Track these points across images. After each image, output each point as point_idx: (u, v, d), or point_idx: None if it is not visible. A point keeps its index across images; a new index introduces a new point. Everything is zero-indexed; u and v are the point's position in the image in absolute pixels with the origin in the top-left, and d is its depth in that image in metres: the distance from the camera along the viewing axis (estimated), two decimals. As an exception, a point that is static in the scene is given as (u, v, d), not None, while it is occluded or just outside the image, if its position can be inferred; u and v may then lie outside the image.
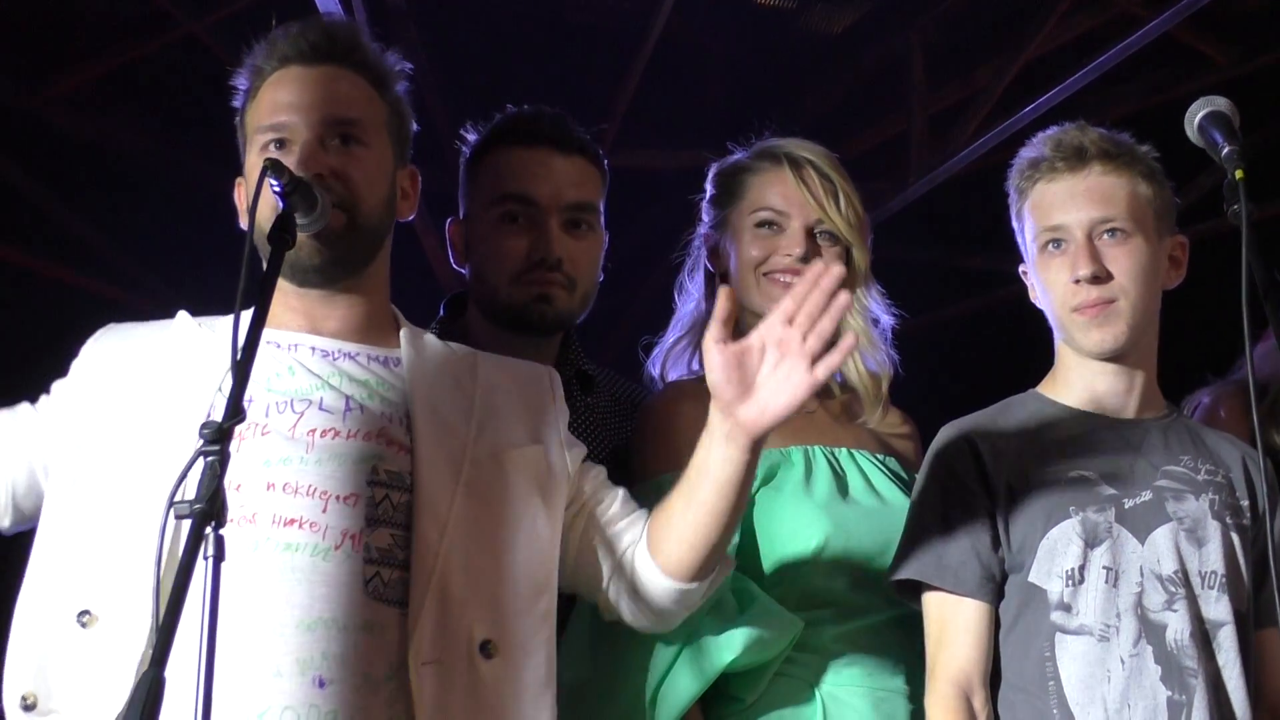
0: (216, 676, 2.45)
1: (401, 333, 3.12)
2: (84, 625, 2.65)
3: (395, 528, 2.88)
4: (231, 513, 2.57)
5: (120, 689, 2.38)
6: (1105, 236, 3.34)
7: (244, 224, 3.04)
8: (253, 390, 2.83)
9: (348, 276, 3.04)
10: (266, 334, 2.86)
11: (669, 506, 3.08)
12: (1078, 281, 3.33)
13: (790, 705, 3.36)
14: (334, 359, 3.02)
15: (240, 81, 3.11)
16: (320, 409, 2.93)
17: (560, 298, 3.67)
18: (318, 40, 3.06)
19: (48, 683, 2.68)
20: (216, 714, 2.49)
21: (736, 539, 3.33)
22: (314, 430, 2.90)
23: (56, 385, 3.05)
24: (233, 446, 2.53)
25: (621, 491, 3.25)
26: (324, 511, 2.83)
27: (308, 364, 2.99)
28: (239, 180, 3.11)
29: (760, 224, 3.63)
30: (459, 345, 3.22)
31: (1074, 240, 3.35)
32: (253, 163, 3.02)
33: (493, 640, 2.88)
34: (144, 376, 2.95)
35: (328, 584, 2.79)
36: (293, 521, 2.81)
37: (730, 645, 3.28)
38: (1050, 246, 3.38)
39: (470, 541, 2.92)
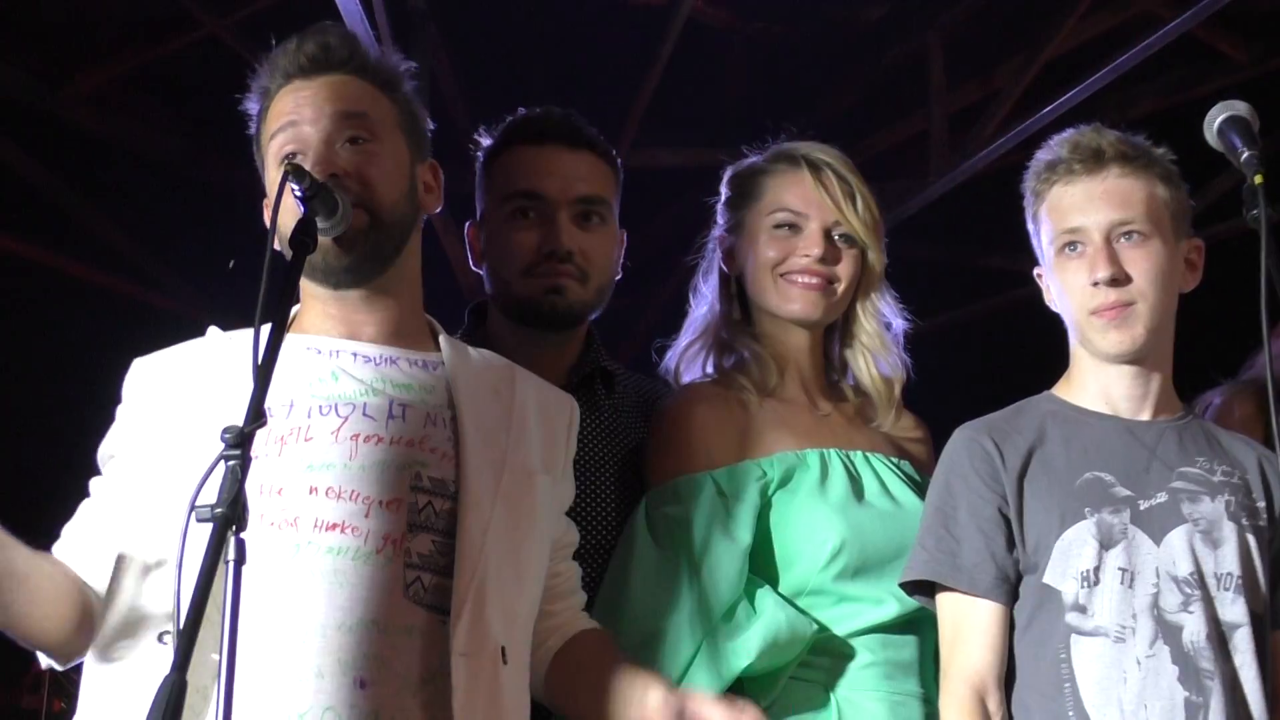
0: (259, 677, 2.69)
1: (441, 338, 3.16)
2: (164, 643, 2.66)
3: (437, 534, 2.92)
4: (273, 516, 2.78)
5: (192, 699, 2.40)
6: (1123, 239, 3.36)
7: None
8: (295, 395, 2.93)
9: (378, 274, 3.06)
10: (307, 340, 2.99)
11: (582, 680, 3.17)
12: (1096, 284, 3.34)
13: (806, 710, 3.38)
14: (377, 364, 3.05)
15: (251, 105, 3.15)
16: (364, 415, 2.96)
17: (572, 289, 3.69)
18: (314, 52, 3.08)
19: (131, 702, 2.66)
20: (260, 714, 2.70)
21: (750, 540, 3.38)
22: (357, 435, 2.93)
23: (104, 448, 3.05)
24: (275, 451, 2.76)
25: (577, 569, 3.32)
26: (366, 516, 2.87)
27: (350, 370, 3.01)
28: (265, 201, 3.13)
29: (778, 225, 3.64)
30: (494, 354, 3.27)
31: (1092, 243, 3.37)
32: (272, 178, 3.05)
33: (506, 648, 2.94)
34: (181, 395, 2.97)
35: (368, 587, 2.84)
36: (335, 526, 2.85)
37: (746, 650, 3.31)
38: (1068, 249, 3.40)
39: (502, 550, 2.98)
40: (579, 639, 3.22)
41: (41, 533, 3.02)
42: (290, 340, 2.93)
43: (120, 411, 3.05)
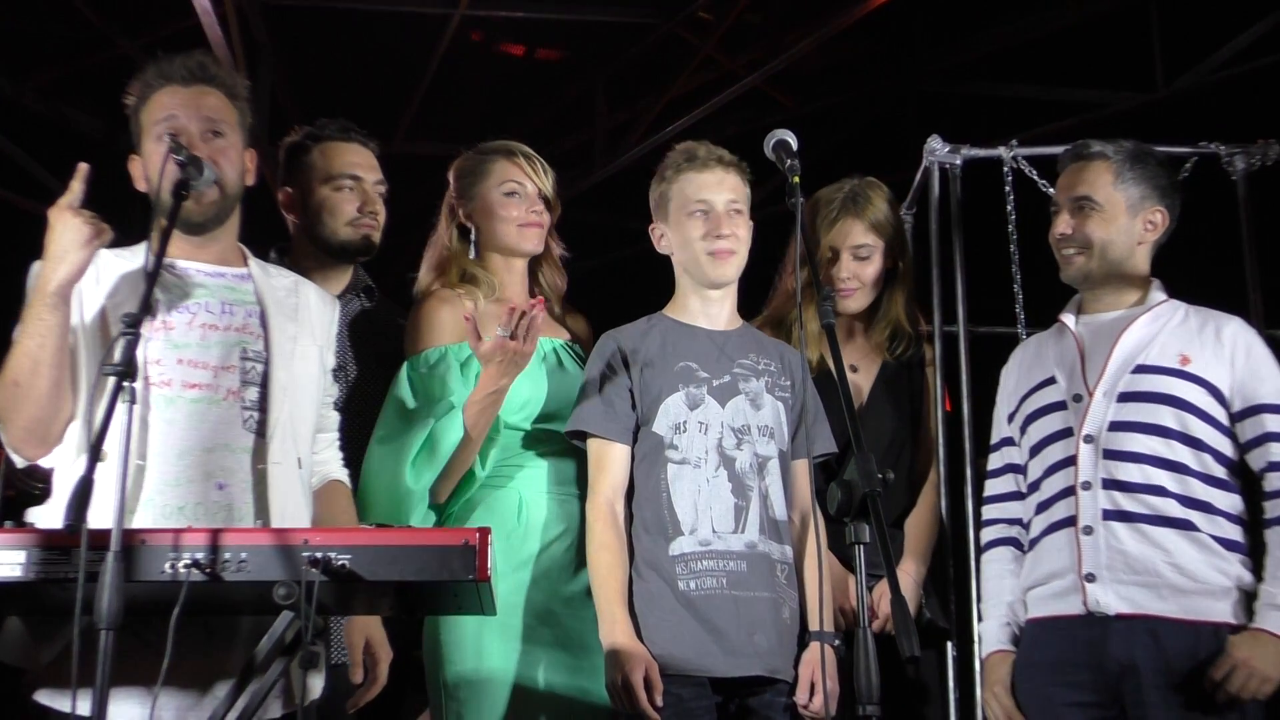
0: (154, 482, 2.76)
1: (251, 261, 3.13)
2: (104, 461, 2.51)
3: (258, 386, 2.95)
4: (155, 378, 2.80)
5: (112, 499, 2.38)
6: (733, 212, 3.40)
7: (140, 186, 3.03)
8: (162, 298, 2.90)
9: (219, 226, 3.04)
10: (166, 262, 2.90)
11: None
12: (719, 237, 3.37)
13: (501, 505, 3.38)
14: (212, 277, 3.03)
15: (134, 89, 3.06)
16: (206, 311, 2.97)
17: (375, 234, 3.76)
18: (194, 68, 3.04)
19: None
20: (151, 507, 2.73)
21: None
22: (204, 325, 2.95)
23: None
24: (152, 336, 2.74)
25: (336, 415, 3.29)
26: (213, 377, 2.91)
27: (197, 281, 3.00)
28: (134, 157, 3.06)
29: (508, 193, 3.61)
30: (283, 269, 3.26)
31: (715, 211, 3.39)
32: (150, 147, 2.99)
33: (301, 458, 2.99)
34: (100, 288, 2.90)
35: (220, 422, 2.88)
36: (195, 385, 2.88)
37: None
38: (699, 213, 3.40)
39: (295, 395, 3.01)
40: (333, 489, 3.20)
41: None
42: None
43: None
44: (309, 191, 3.74)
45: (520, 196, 3.60)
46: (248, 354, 2.96)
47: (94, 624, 2.25)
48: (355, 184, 3.72)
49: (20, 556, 2.40)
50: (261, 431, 2.91)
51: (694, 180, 3.43)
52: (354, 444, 3.38)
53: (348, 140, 3.76)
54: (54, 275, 2.71)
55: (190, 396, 2.87)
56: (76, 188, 2.74)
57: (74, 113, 7.30)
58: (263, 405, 2.93)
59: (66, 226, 2.70)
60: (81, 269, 2.73)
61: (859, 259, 3.79)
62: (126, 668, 2.46)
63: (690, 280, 3.47)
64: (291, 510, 2.89)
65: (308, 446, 3.06)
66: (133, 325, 2.46)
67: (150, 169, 2.94)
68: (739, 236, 3.40)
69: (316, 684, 2.88)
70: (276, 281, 3.12)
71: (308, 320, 3.11)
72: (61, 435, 2.81)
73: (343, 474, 3.25)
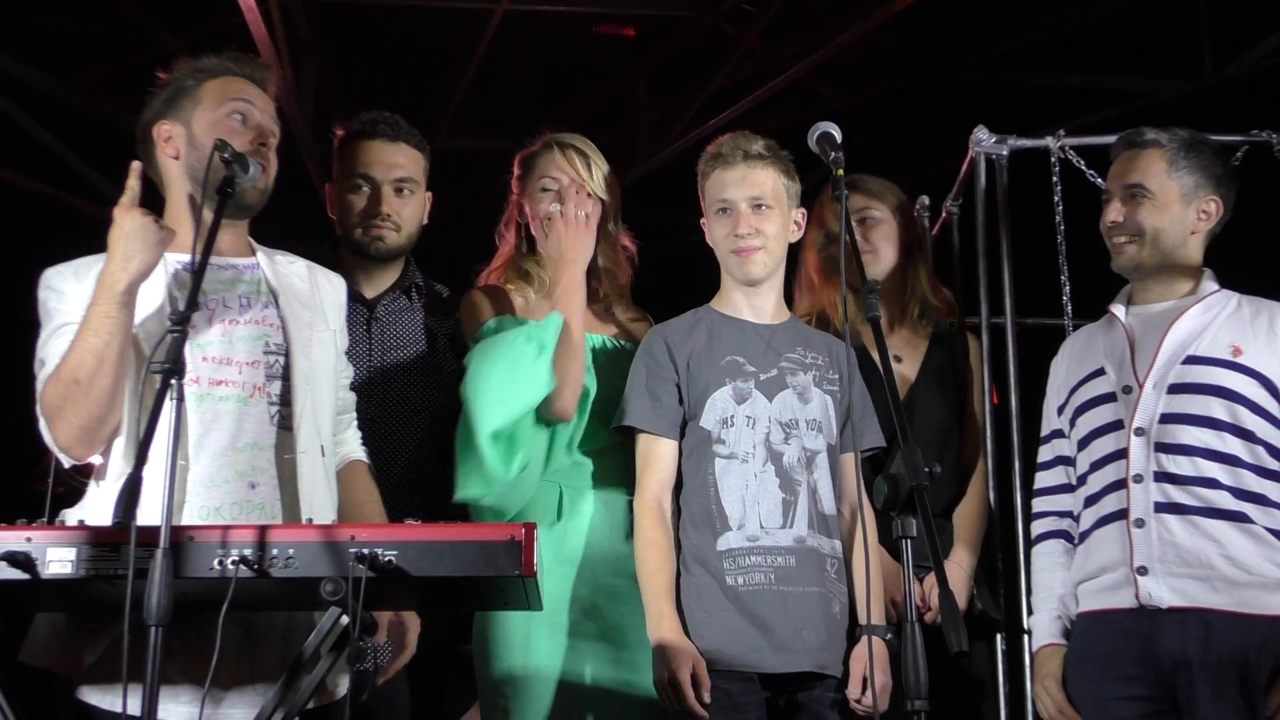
0: (191, 484, 2.75)
1: (258, 253, 3.09)
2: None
3: (282, 379, 2.93)
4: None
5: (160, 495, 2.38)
6: (758, 208, 3.36)
7: (164, 150, 3.02)
8: (177, 295, 2.85)
9: (252, 215, 3.06)
10: (178, 257, 2.89)
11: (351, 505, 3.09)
12: (739, 235, 3.36)
13: (543, 500, 3.36)
14: (226, 270, 3.00)
15: (197, 63, 3.07)
16: (224, 306, 2.95)
17: (389, 238, 3.69)
18: (263, 71, 3.08)
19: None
20: (189, 509, 2.73)
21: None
22: (224, 320, 2.93)
23: (58, 319, 2.87)
24: None
25: (352, 396, 3.27)
26: (239, 373, 2.89)
27: (210, 275, 2.92)
28: (161, 124, 3.04)
29: (545, 189, 3.59)
30: (294, 256, 3.18)
31: (737, 209, 3.37)
32: (211, 117, 2.99)
33: (324, 445, 2.97)
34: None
35: (250, 420, 2.87)
36: (221, 382, 2.86)
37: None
38: (722, 211, 3.40)
39: (315, 382, 2.99)
40: (354, 469, 3.19)
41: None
42: (170, 258, 2.89)
43: (57, 300, 2.87)
44: (336, 190, 3.75)
45: (555, 193, 3.58)
46: (269, 347, 2.94)
47: (143, 620, 2.26)
48: (368, 184, 3.67)
49: (70, 554, 2.41)
50: (287, 424, 2.90)
51: (718, 179, 3.42)
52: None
53: (371, 138, 3.70)
54: (123, 274, 2.68)
55: (219, 395, 2.85)
56: (134, 185, 2.74)
57: (119, 111, 7.34)
58: (286, 398, 2.92)
59: (135, 225, 2.69)
60: (150, 268, 2.73)
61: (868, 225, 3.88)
62: (169, 667, 2.46)
63: (729, 275, 3.46)
64: (319, 498, 2.89)
65: (329, 433, 3.04)
66: (180, 323, 2.46)
67: (201, 143, 2.94)
68: (764, 233, 3.38)
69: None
70: (284, 269, 3.09)
71: (320, 304, 3.09)
72: (109, 438, 2.78)
73: (362, 453, 3.24)
